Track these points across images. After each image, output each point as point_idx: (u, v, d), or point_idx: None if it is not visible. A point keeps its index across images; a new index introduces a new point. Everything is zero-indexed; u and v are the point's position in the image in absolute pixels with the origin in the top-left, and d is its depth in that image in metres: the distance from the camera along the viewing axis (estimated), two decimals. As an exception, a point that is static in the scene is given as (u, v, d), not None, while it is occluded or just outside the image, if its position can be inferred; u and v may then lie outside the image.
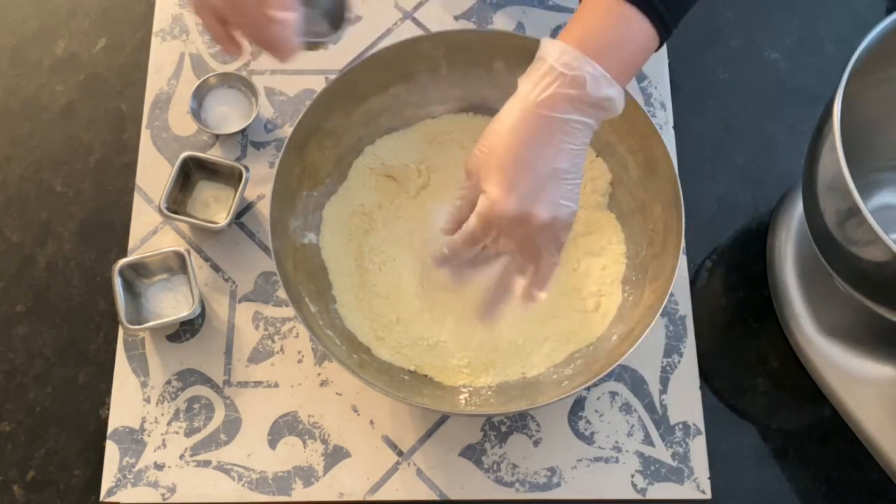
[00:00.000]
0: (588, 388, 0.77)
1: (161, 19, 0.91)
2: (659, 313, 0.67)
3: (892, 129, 0.78)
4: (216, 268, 0.81)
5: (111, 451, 0.75)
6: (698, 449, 0.75)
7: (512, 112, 0.60)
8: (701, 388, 0.77)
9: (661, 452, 0.75)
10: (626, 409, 0.77)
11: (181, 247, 0.79)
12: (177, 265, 0.79)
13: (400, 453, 0.75)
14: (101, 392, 0.77)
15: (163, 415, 0.76)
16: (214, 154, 0.85)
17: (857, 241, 0.65)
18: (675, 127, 0.87)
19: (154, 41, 0.90)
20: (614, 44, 0.59)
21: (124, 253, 0.82)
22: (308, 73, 0.89)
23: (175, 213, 0.80)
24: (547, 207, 0.60)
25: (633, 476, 0.75)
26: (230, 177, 0.82)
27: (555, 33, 0.90)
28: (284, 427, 0.76)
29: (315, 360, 0.78)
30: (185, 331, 0.79)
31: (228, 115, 0.86)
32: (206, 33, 0.90)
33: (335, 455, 0.75)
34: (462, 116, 0.82)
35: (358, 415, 0.76)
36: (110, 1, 0.92)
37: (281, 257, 0.71)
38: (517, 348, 0.74)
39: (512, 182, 0.59)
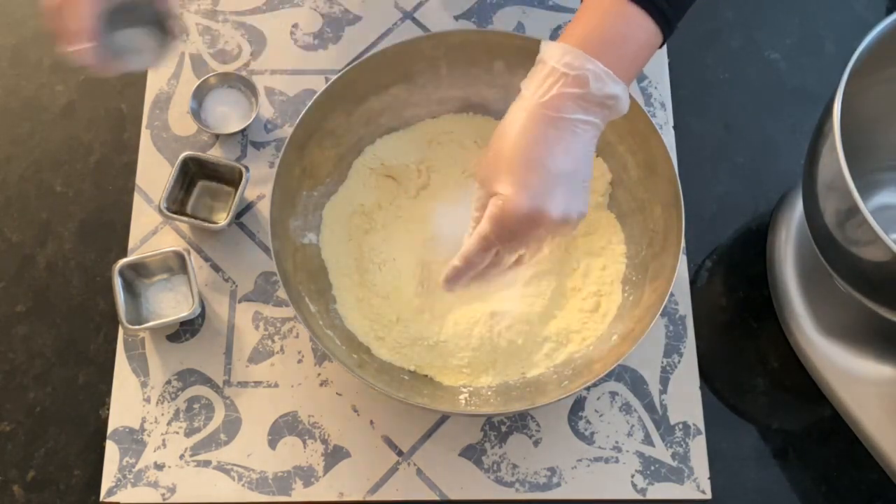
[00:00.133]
0: (588, 388, 0.77)
1: (161, 19, 0.91)
2: (659, 313, 0.67)
3: (892, 129, 0.78)
4: (216, 268, 0.81)
5: (111, 451, 0.75)
6: (698, 449, 0.75)
7: (517, 115, 0.60)
8: (701, 388, 0.77)
9: (661, 452, 0.75)
10: (626, 409, 0.77)
11: (181, 247, 0.79)
12: (177, 265, 0.79)
13: (400, 453, 0.75)
14: (101, 392, 0.77)
15: (163, 415, 0.76)
16: (214, 154, 0.85)
17: (857, 241, 0.65)
18: (675, 127, 0.87)
19: (154, 41, 0.90)
20: (616, 42, 0.59)
21: (124, 253, 0.82)
22: (308, 73, 0.89)
23: (175, 213, 0.80)
24: (559, 206, 0.60)
25: (633, 476, 0.75)
26: (230, 177, 0.82)
27: (555, 33, 0.90)
28: (284, 427, 0.76)
29: (315, 360, 0.78)
30: (185, 331, 0.79)
31: (228, 115, 0.86)
32: (206, 33, 0.90)
33: (335, 455, 0.75)
34: (462, 116, 0.82)
35: (358, 415, 0.76)
36: None
37: (281, 257, 0.71)
38: (517, 348, 0.74)
39: (523, 182, 0.59)
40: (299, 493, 0.74)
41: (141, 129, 0.86)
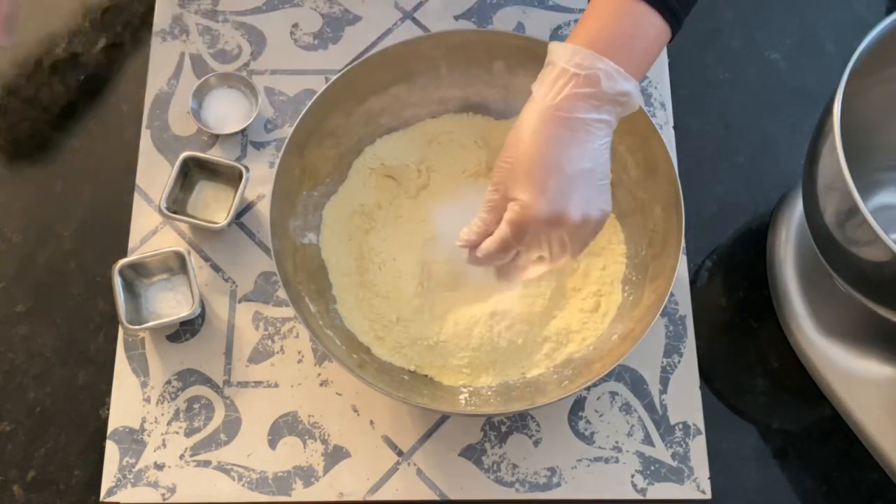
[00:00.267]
0: (588, 388, 0.77)
1: (161, 19, 0.91)
2: (659, 313, 0.67)
3: (892, 129, 0.78)
4: (216, 268, 0.81)
5: (111, 451, 0.75)
6: (698, 449, 0.75)
7: (530, 118, 0.60)
8: (701, 388, 0.77)
9: (661, 452, 0.75)
10: (626, 409, 0.77)
11: (181, 247, 0.79)
12: (177, 265, 0.79)
13: (400, 453, 0.75)
14: (101, 392, 0.77)
15: (163, 415, 0.76)
16: (214, 154, 0.85)
17: (857, 241, 0.65)
18: (675, 127, 0.87)
19: (154, 41, 0.90)
20: (625, 40, 0.60)
21: (124, 253, 0.82)
22: (308, 73, 0.89)
23: (175, 213, 0.80)
24: (578, 207, 0.60)
25: (633, 476, 0.75)
26: (230, 177, 0.82)
27: (555, 33, 0.90)
28: (284, 427, 0.76)
29: (315, 360, 0.78)
30: (185, 331, 0.79)
31: (228, 115, 0.86)
32: (206, 33, 0.90)
33: (335, 455, 0.75)
34: (462, 116, 0.82)
35: (358, 415, 0.76)
36: (110, 1, 0.92)
37: (281, 257, 0.71)
38: (517, 348, 0.74)
39: (541, 185, 0.59)
40: (299, 493, 0.74)
41: (141, 129, 0.86)
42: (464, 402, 0.73)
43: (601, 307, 0.76)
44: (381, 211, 0.79)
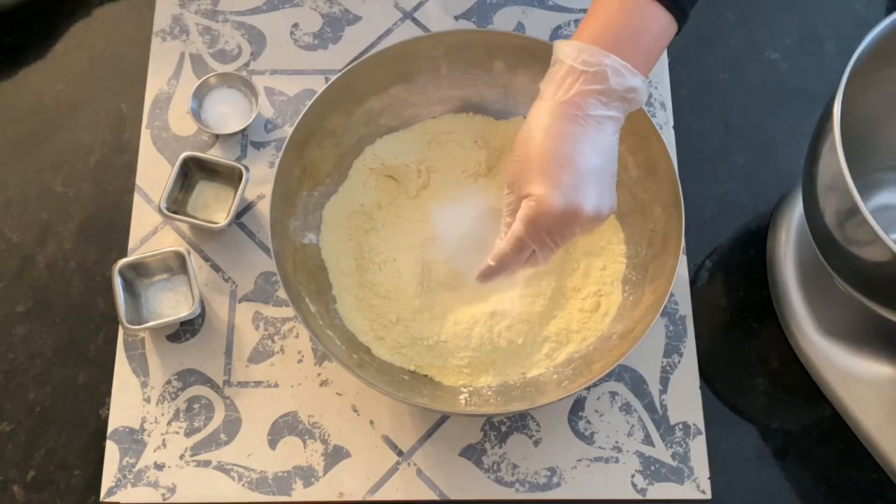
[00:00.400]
0: (588, 388, 0.77)
1: (161, 19, 0.91)
2: (659, 313, 0.67)
3: (892, 129, 0.78)
4: (216, 268, 0.81)
5: (111, 451, 0.75)
6: (698, 449, 0.75)
7: (540, 116, 0.61)
8: (701, 388, 0.77)
9: (662, 452, 0.75)
10: (626, 409, 0.77)
11: (181, 247, 0.79)
12: (177, 265, 0.79)
13: (400, 453, 0.75)
14: (101, 392, 0.77)
15: (163, 415, 0.76)
16: (214, 154, 0.85)
17: (857, 241, 0.65)
18: (675, 127, 0.87)
19: (154, 41, 0.90)
20: (631, 36, 0.60)
21: (124, 253, 0.82)
22: (308, 73, 0.89)
23: (175, 213, 0.80)
24: (592, 202, 0.61)
25: (633, 476, 0.75)
26: (230, 177, 0.82)
27: (555, 33, 0.90)
28: (284, 427, 0.76)
29: (315, 360, 0.78)
30: (185, 331, 0.79)
31: (228, 115, 0.86)
32: (206, 33, 0.90)
33: (335, 455, 0.75)
34: (462, 116, 0.82)
35: (358, 415, 0.76)
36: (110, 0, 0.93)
37: (281, 257, 0.71)
38: (517, 348, 0.74)
39: (555, 180, 0.60)
40: (299, 493, 0.74)
41: (141, 129, 0.86)
42: (464, 402, 0.73)
43: (601, 307, 0.76)
44: (381, 211, 0.79)
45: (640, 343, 0.67)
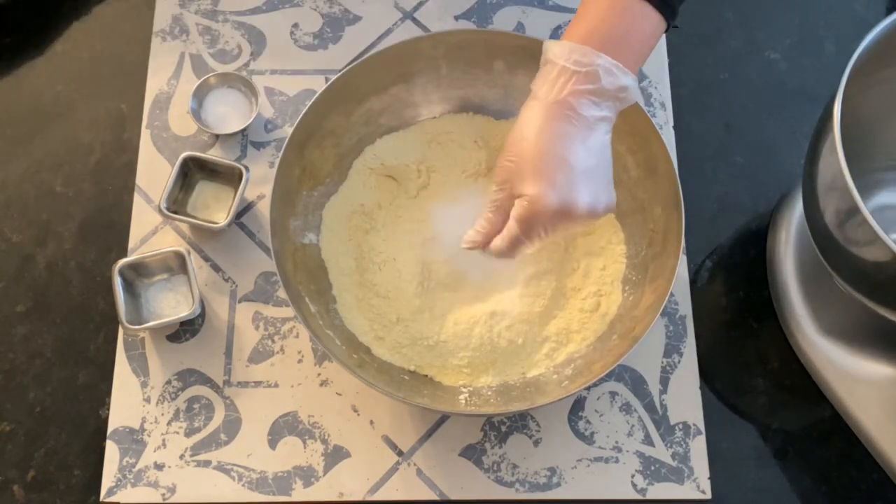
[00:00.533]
0: (588, 388, 0.77)
1: (161, 19, 0.91)
2: (659, 313, 0.67)
3: (892, 129, 0.78)
4: (216, 268, 0.81)
5: (111, 451, 0.75)
6: (698, 449, 0.75)
7: (533, 116, 0.61)
8: (701, 388, 0.77)
9: (662, 452, 0.75)
10: (626, 409, 0.77)
11: (181, 247, 0.79)
12: (177, 265, 0.79)
13: (400, 453, 0.75)
14: (101, 392, 0.77)
15: (163, 415, 0.76)
16: (214, 154, 0.85)
17: (857, 241, 0.65)
18: (675, 127, 0.87)
19: (154, 41, 0.90)
20: (621, 35, 0.60)
21: (124, 253, 0.82)
22: (308, 73, 0.89)
23: (175, 213, 0.80)
24: (585, 199, 0.61)
25: (633, 476, 0.75)
26: (230, 177, 0.82)
27: (555, 33, 0.90)
28: (284, 427, 0.76)
29: (315, 360, 0.78)
30: (185, 331, 0.79)
31: (228, 115, 0.86)
32: (206, 33, 0.90)
33: (335, 455, 0.75)
34: (462, 116, 0.82)
35: (358, 415, 0.76)
36: (110, 0, 0.93)
37: (281, 257, 0.71)
38: (517, 348, 0.74)
39: (550, 179, 0.61)
40: (299, 493, 0.74)
41: (141, 129, 0.86)
42: (464, 402, 0.73)
43: (601, 307, 0.76)
44: (381, 211, 0.79)
45: (640, 343, 0.67)
